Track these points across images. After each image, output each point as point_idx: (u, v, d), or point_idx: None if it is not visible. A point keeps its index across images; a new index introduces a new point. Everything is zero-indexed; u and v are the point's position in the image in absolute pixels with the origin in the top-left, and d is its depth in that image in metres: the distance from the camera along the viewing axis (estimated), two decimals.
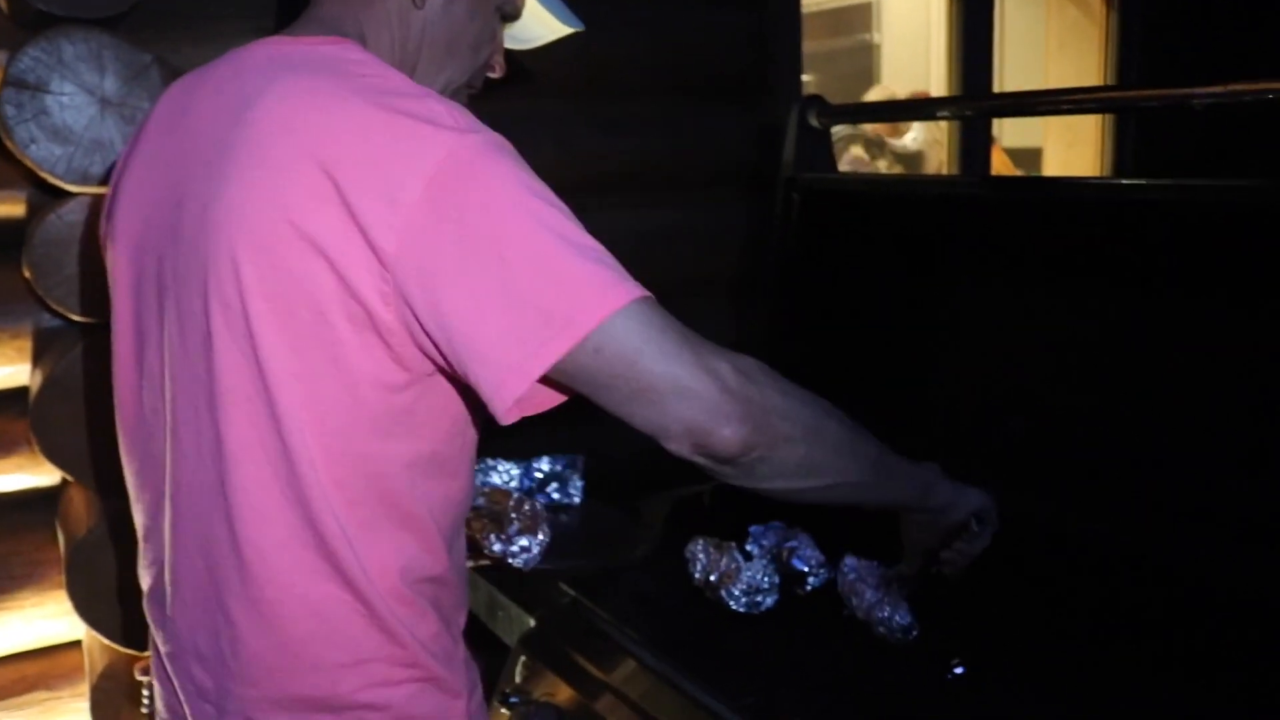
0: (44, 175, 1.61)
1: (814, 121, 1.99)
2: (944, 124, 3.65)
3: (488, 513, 1.59)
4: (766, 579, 1.42)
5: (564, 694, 1.39)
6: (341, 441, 0.99)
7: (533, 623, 1.52)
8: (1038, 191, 1.79)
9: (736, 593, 1.42)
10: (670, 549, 1.56)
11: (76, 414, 1.70)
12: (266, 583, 1.01)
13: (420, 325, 0.93)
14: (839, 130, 3.18)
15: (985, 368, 1.68)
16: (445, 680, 1.10)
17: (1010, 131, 4.76)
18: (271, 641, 1.03)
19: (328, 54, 1.04)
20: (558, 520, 1.75)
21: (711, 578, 1.45)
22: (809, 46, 2.88)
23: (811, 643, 1.37)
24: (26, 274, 1.69)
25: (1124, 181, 1.58)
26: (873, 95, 4.83)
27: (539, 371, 0.91)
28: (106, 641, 1.78)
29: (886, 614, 1.31)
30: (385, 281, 0.92)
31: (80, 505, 1.80)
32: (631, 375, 0.93)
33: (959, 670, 1.25)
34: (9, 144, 1.60)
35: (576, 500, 1.85)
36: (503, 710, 1.42)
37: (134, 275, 1.11)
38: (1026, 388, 1.60)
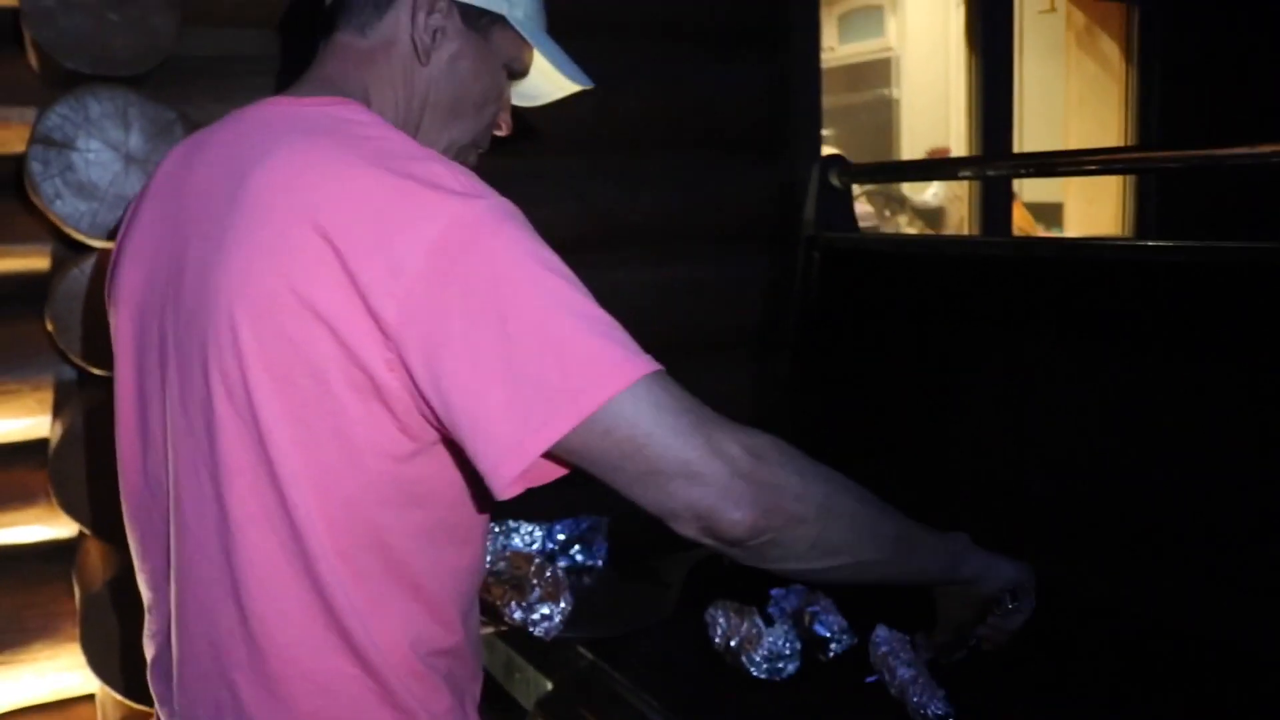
0: (68, 230, 1.62)
1: (835, 181, 1.99)
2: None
3: (509, 578, 1.54)
4: (788, 645, 1.39)
5: None
6: (347, 511, 0.96)
7: (550, 686, 1.50)
8: (1061, 252, 1.77)
9: (757, 659, 1.39)
10: (690, 612, 1.53)
11: (95, 467, 1.70)
12: (273, 656, 0.99)
13: (421, 395, 0.91)
14: None
15: (1007, 429, 1.66)
16: None
17: (1031, 186, 4.77)
18: (278, 718, 1.00)
19: (330, 115, 1.03)
20: (580, 584, 1.71)
21: (732, 643, 1.42)
22: (828, 101, 2.90)
23: (834, 711, 1.34)
24: (49, 327, 1.70)
25: (1149, 243, 1.56)
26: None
27: (538, 450, 0.89)
28: (119, 697, 1.76)
29: (920, 699, 1.25)
30: (389, 349, 0.90)
31: (96, 559, 1.79)
32: (639, 457, 0.90)
33: None
34: (35, 199, 1.61)
35: (600, 563, 1.80)
36: None
37: (136, 337, 1.10)
38: (1048, 450, 1.58)
